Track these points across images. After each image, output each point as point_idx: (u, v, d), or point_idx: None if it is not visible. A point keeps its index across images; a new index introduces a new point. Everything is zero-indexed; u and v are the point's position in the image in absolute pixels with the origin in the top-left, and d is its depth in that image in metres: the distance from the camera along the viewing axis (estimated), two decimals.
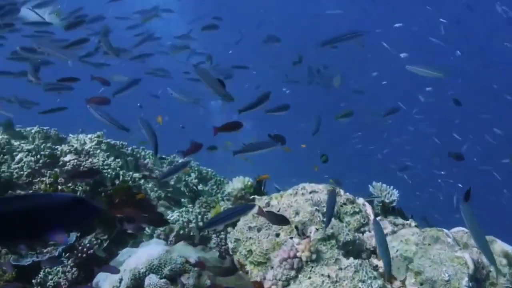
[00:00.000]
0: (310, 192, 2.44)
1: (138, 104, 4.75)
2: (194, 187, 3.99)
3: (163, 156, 4.25)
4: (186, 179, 4.10)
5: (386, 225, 2.25)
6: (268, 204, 2.45)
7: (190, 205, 3.45)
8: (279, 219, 1.95)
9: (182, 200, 3.68)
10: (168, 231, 3.17)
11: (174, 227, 3.19)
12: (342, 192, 2.56)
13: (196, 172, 4.37)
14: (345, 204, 2.43)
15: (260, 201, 2.51)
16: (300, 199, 2.35)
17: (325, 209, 2.29)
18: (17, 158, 3.00)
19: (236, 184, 3.45)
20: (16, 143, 3.18)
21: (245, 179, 3.49)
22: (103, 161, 3.19)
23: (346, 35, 3.06)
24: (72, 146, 3.21)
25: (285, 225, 2.00)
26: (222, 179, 4.26)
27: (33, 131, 3.39)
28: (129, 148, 3.93)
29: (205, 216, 3.23)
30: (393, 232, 2.20)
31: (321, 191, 2.48)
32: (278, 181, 4.39)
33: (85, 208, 0.86)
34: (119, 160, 3.32)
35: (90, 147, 3.51)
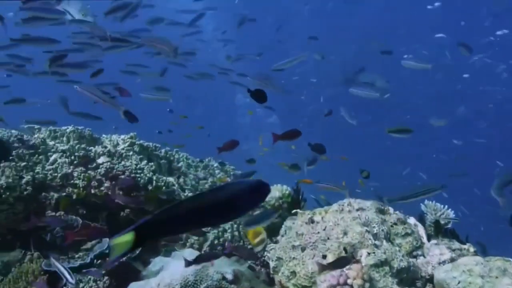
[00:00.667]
0: (358, 210, 2.25)
1: (168, 109, 4.67)
2: None
3: (200, 160, 4.16)
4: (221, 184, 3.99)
5: (444, 251, 2.04)
6: (311, 220, 2.28)
7: None
8: None
9: None
10: (202, 241, 3.05)
11: (208, 236, 3.07)
12: (391, 210, 2.36)
13: (232, 177, 4.24)
14: (395, 224, 2.24)
15: (303, 216, 2.34)
16: (347, 217, 2.18)
17: (375, 230, 2.11)
18: (51, 158, 2.93)
19: (273, 192, 3.29)
20: (51, 143, 3.12)
21: (283, 187, 3.33)
22: (136, 164, 3.09)
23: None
24: (106, 147, 3.12)
25: None
26: None
27: (68, 130, 3.32)
28: (162, 151, 3.83)
29: (240, 226, 3.09)
30: (452, 260, 1.99)
31: (369, 208, 2.29)
32: (309, 190, 4.26)
33: (264, 189, 1.06)
34: (152, 164, 3.22)
35: (123, 149, 3.42)
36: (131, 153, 3.39)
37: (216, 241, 3.06)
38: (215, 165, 4.29)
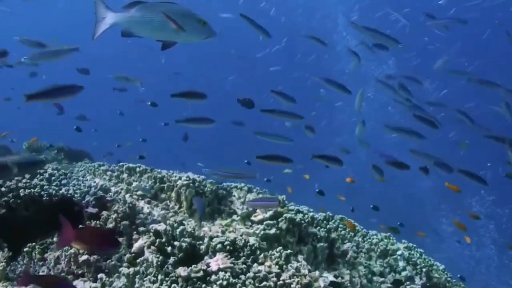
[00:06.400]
0: None
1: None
2: None
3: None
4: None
5: None
6: None
7: None
8: None
9: None
10: None
11: None
12: None
13: (405, 262, 2.54)
14: None
15: None
16: None
17: None
18: (135, 246, 1.67)
19: None
20: (146, 210, 1.88)
21: None
22: (280, 270, 1.63)
23: None
24: (229, 235, 1.74)
25: None
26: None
27: (178, 183, 2.05)
28: (323, 224, 2.32)
29: None
30: None
31: None
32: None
33: None
34: (302, 256, 1.72)
35: (261, 223, 2.03)
36: (272, 231, 1.98)
37: None
38: (399, 251, 2.60)
